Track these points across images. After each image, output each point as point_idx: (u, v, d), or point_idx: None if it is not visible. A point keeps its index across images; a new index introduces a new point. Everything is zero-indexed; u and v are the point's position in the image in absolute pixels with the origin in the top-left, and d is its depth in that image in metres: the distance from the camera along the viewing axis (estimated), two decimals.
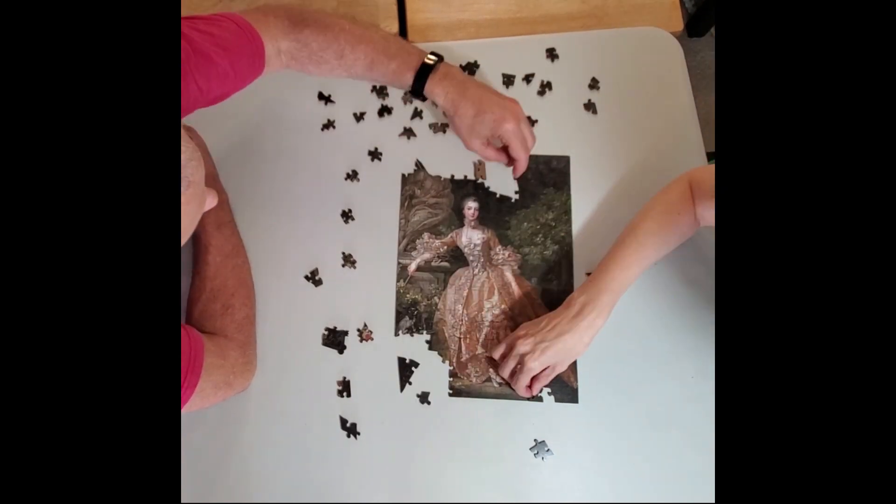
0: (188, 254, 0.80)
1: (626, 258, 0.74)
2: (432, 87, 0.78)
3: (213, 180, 0.84)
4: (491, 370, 0.79)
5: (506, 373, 0.76)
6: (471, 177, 0.87)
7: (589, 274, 0.82)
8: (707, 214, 0.74)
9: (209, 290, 0.75)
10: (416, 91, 0.79)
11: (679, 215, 0.74)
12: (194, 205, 0.54)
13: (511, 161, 0.83)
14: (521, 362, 0.74)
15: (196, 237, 0.79)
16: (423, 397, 0.78)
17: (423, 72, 0.78)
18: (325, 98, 0.91)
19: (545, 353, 0.72)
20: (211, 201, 0.59)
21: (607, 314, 0.73)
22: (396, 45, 0.79)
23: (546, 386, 0.77)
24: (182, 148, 0.49)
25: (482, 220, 0.85)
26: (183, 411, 0.63)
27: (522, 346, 0.73)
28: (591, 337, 0.73)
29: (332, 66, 0.78)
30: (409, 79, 0.79)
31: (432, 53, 0.80)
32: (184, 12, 0.97)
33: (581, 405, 0.77)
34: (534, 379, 0.75)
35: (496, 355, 0.77)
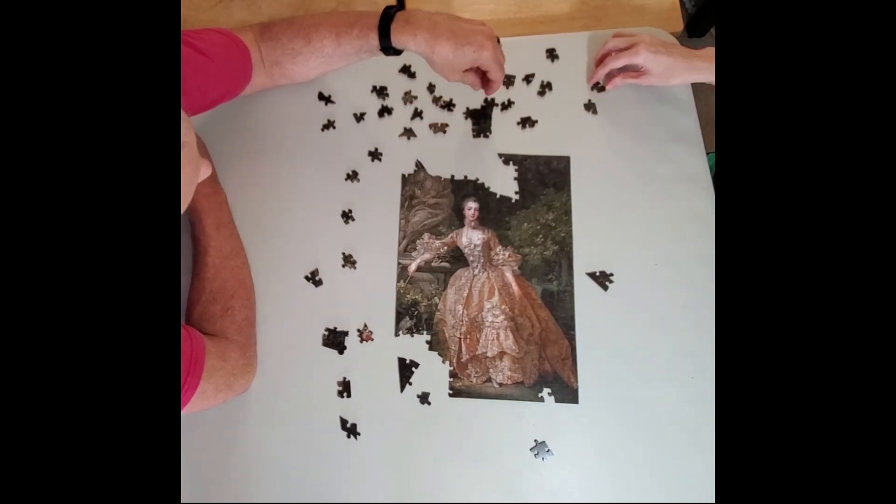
0: (188, 255, 0.80)
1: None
2: (398, 36, 0.76)
3: (213, 180, 0.84)
4: (491, 370, 0.79)
5: (609, 46, 0.85)
6: (471, 177, 0.87)
7: (590, 274, 0.82)
8: None
9: (209, 291, 0.75)
10: (387, 48, 0.77)
11: None
12: (190, 169, 0.53)
13: (486, 83, 0.83)
14: (632, 46, 0.82)
15: (195, 239, 0.79)
16: (424, 398, 0.78)
17: (385, 26, 0.76)
18: (325, 98, 0.91)
19: (658, 53, 0.81)
20: (205, 171, 0.59)
21: (706, 77, 0.82)
22: (355, 14, 0.79)
23: (546, 386, 0.77)
24: None
25: (482, 221, 0.85)
26: (183, 413, 0.63)
27: (645, 37, 0.82)
28: (691, 78, 0.83)
29: (305, 56, 0.80)
30: (374, 38, 0.76)
31: (389, 6, 0.78)
32: (184, 12, 0.97)
33: (581, 405, 0.77)
34: (620, 74, 0.85)
35: (617, 42, 0.85)
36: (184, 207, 0.54)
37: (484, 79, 0.82)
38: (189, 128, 0.52)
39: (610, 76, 0.88)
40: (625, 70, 0.87)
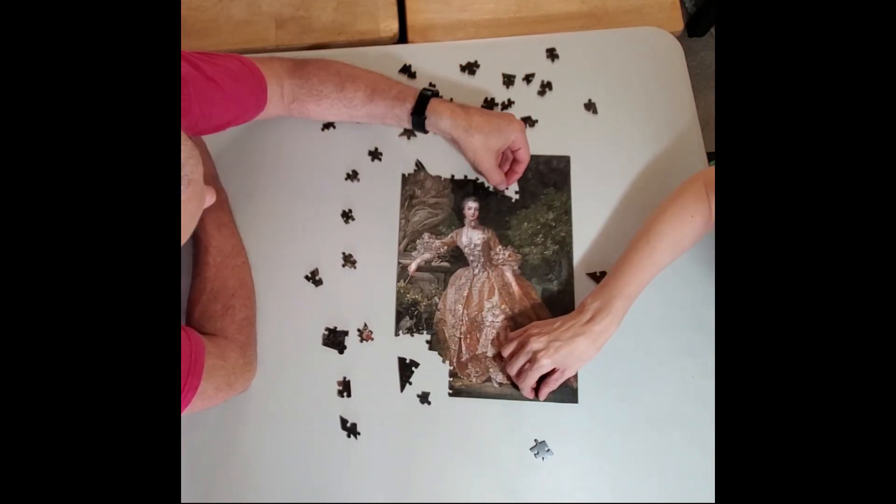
0: (188, 255, 0.80)
1: (639, 262, 0.73)
2: (436, 105, 0.79)
3: (213, 180, 0.84)
4: (491, 369, 0.79)
5: (514, 369, 0.75)
6: (471, 177, 0.87)
7: (590, 275, 0.82)
8: None
9: (209, 290, 0.75)
10: (419, 112, 0.79)
11: (693, 217, 0.73)
12: (194, 203, 0.54)
13: (510, 171, 0.85)
14: (532, 359, 0.73)
15: (196, 238, 0.79)
16: (424, 397, 0.78)
17: (424, 96, 0.79)
18: None
19: (558, 351, 0.72)
20: (209, 199, 0.59)
21: (620, 320, 0.73)
22: (395, 80, 0.82)
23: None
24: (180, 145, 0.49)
25: (482, 220, 0.85)
26: (184, 413, 0.63)
27: (536, 343, 0.73)
28: (603, 342, 0.73)
29: (331, 101, 0.79)
30: (410, 102, 0.79)
31: (427, 89, 0.82)
32: (184, 13, 0.97)
33: (581, 405, 0.77)
34: (542, 383, 0.75)
35: (506, 352, 0.77)
36: (185, 238, 0.54)
37: (509, 167, 0.85)
38: (196, 163, 0.52)
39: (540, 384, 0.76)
40: (544, 379, 0.75)
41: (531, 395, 0.76)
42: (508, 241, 0.84)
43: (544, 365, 0.72)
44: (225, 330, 0.73)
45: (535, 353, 0.73)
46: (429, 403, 0.78)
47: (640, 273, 0.73)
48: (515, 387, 0.77)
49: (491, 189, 0.86)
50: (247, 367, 0.75)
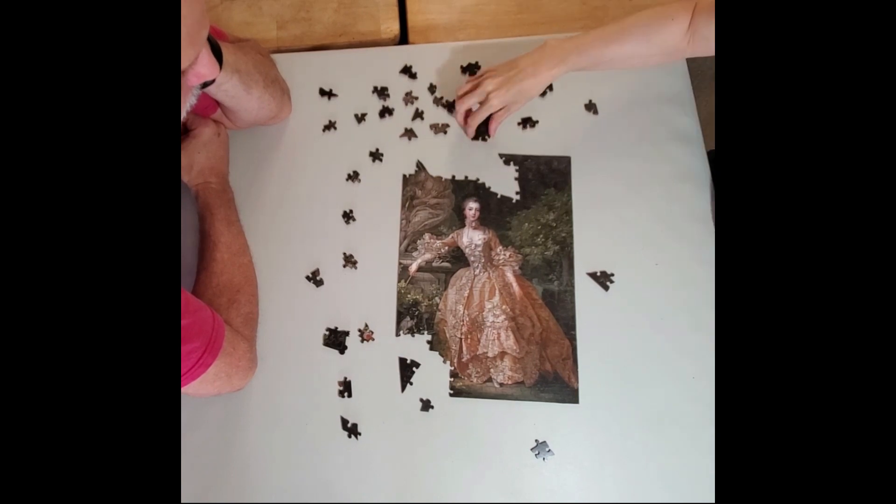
0: (188, 252, 0.81)
1: (606, 31, 0.78)
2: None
3: (223, 178, 0.84)
4: (492, 370, 0.79)
5: (463, 108, 0.83)
6: (472, 178, 0.87)
7: (591, 274, 0.82)
8: (705, 32, 0.73)
9: (215, 285, 0.75)
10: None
11: (672, 21, 0.75)
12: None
13: None
14: (484, 100, 0.81)
15: (205, 234, 0.79)
16: (426, 405, 0.77)
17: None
18: (326, 93, 0.91)
19: (508, 91, 0.79)
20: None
21: (566, 69, 0.78)
22: None
23: (547, 386, 0.77)
24: None
25: (483, 221, 0.85)
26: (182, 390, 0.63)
27: (489, 84, 0.80)
28: (547, 82, 0.80)
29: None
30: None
31: None
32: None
33: (581, 405, 0.77)
34: (489, 121, 0.85)
35: (461, 92, 0.84)
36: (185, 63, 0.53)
37: None
38: None
39: (484, 122, 0.86)
40: (493, 114, 0.84)
41: (471, 135, 0.87)
42: (509, 242, 0.84)
43: (494, 105, 0.80)
44: (230, 322, 0.73)
45: (488, 93, 0.80)
46: (432, 408, 0.77)
47: (602, 39, 0.77)
48: (464, 129, 0.87)
49: (492, 189, 0.86)
50: (249, 365, 0.74)
